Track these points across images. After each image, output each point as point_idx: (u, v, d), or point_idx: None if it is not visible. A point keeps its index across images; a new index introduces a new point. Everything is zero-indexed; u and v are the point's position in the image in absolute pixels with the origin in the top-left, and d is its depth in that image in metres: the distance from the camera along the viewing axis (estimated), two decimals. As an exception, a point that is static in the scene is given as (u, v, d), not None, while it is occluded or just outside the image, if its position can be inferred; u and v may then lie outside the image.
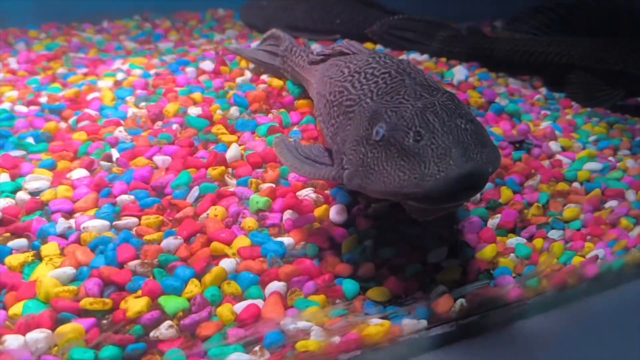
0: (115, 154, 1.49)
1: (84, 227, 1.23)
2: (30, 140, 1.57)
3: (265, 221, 1.27)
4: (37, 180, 1.38)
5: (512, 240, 1.26)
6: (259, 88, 1.78)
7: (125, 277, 1.10)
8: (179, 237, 1.21)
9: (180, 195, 1.34)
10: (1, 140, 1.56)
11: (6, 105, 1.77)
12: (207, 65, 1.93)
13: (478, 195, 1.37)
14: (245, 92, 1.73)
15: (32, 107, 1.78)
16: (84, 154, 1.51)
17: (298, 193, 1.34)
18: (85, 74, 2.02)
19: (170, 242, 1.19)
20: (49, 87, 1.93)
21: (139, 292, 1.07)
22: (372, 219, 1.21)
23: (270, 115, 1.65)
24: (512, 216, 1.34)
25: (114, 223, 1.26)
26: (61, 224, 1.25)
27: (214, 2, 3.02)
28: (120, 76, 1.94)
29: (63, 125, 1.67)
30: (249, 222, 1.25)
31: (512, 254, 1.22)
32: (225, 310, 1.05)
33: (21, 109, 1.76)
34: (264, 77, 1.88)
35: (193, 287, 1.09)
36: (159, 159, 1.45)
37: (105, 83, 1.90)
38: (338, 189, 1.35)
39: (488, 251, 1.22)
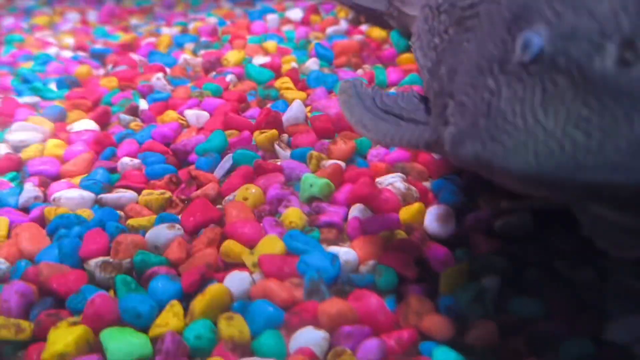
0: (143, 105, 1.09)
1: (54, 199, 0.83)
2: (52, 86, 1.22)
3: (319, 217, 0.78)
4: (25, 130, 1.01)
5: None
6: (353, 39, 1.29)
7: (74, 285, 0.67)
8: (178, 226, 0.76)
9: (205, 164, 0.90)
10: (24, 86, 1.22)
11: (52, 51, 1.47)
12: (295, 13, 1.50)
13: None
14: (333, 43, 1.25)
15: (79, 53, 1.45)
16: (107, 103, 1.12)
17: (378, 180, 0.84)
18: (159, 25, 1.66)
19: (160, 232, 0.75)
20: (110, 35, 1.59)
21: (79, 317, 0.64)
22: (502, 237, 0.74)
23: (359, 71, 1.17)
24: None
25: (99, 196, 0.83)
26: (27, 191, 0.85)
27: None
28: (191, 25, 1.56)
29: (100, 72, 1.30)
30: (293, 214, 0.77)
31: None
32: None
33: (66, 54, 1.45)
34: (363, 27, 1.39)
35: (170, 318, 0.63)
36: (191, 113, 1.02)
37: (170, 30, 1.53)
38: (445, 179, 0.83)
39: None
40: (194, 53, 1.34)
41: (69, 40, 1.58)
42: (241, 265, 0.71)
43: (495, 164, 0.47)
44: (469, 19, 0.63)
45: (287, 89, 1.08)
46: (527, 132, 0.45)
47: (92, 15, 2.00)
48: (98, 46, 1.49)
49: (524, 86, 0.48)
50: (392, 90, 1.09)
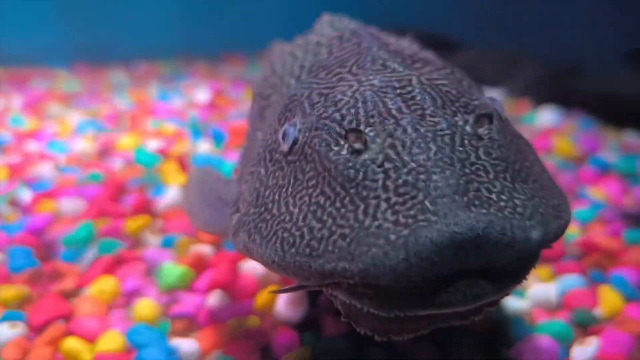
0: (28, 196, 1.07)
1: None
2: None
3: (172, 307, 0.76)
4: None
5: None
6: (250, 120, 1.32)
7: None
8: (22, 324, 0.73)
9: (70, 256, 0.88)
10: None
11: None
12: (201, 96, 1.51)
13: (554, 295, 0.78)
14: (229, 124, 1.27)
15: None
16: (-7, 194, 1.10)
17: (241, 264, 0.83)
18: (72, 110, 1.68)
19: (1, 331, 0.72)
20: (24, 123, 1.59)
21: None
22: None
23: (247, 152, 1.17)
24: (620, 344, 0.70)
25: (-49, 295, 0.80)
26: None
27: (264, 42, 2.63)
28: (103, 110, 1.57)
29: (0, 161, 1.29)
30: (144, 306, 0.75)
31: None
32: None
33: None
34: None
35: None
36: (69, 204, 1.00)
37: (77, 116, 1.53)
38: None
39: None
40: (95, 139, 1.34)
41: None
42: (79, 364, 0.69)
43: (255, 253, 0.47)
44: (266, 109, 0.64)
45: (171, 173, 1.08)
46: (279, 221, 0.46)
47: (17, 101, 2.00)
48: (7, 135, 1.49)
49: (283, 175, 0.49)
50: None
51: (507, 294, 0.46)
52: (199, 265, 0.83)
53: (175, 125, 1.33)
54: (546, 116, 1.55)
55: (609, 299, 0.78)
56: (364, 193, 0.42)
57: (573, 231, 0.94)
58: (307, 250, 0.43)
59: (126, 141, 1.24)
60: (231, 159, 1.14)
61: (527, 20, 2.00)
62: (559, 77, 1.72)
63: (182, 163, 1.12)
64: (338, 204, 0.43)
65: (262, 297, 0.76)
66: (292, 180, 0.47)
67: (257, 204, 0.49)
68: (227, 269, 0.81)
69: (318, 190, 0.45)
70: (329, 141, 0.46)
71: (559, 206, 0.47)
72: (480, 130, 0.46)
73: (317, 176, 0.46)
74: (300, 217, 0.44)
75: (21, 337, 0.72)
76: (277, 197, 0.47)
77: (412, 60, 0.54)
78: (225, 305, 0.76)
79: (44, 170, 1.17)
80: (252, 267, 0.82)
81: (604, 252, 0.88)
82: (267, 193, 0.49)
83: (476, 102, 0.48)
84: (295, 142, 0.49)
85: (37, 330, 0.75)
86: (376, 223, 0.40)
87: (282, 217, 0.46)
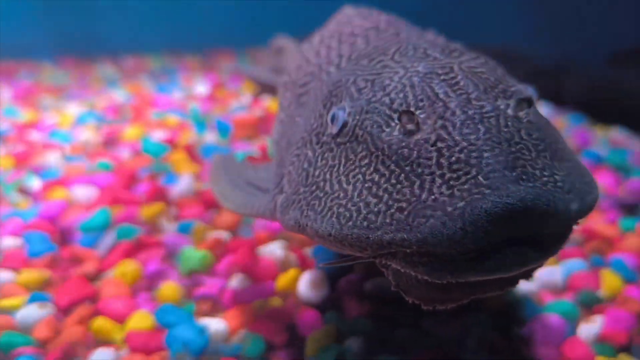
0: (37, 184, 1.07)
1: None
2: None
3: (196, 289, 0.78)
4: None
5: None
6: (252, 113, 1.34)
7: None
8: (50, 305, 0.75)
9: (88, 241, 0.89)
10: None
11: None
12: (201, 88, 1.53)
13: (560, 278, 0.82)
14: (233, 117, 1.29)
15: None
16: (1, 183, 1.10)
17: (259, 248, 0.85)
18: (69, 103, 1.67)
19: (30, 311, 0.74)
20: (18, 114, 1.58)
21: None
22: (372, 300, 0.75)
23: (255, 143, 1.20)
24: (622, 322, 0.76)
25: (-27, 278, 0.81)
26: None
27: (253, 39, 2.65)
28: (101, 102, 1.58)
29: (1, 151, 1.29)
30: (168, 288, 0.78)
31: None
32: None
33: (-33, 136, 1.42)
34: (264, 101, 1.44)
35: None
36: (81, 192, 1.01)
37: (75, 108, 1.54)
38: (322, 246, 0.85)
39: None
40: (97, 129, 1.35)
41: (-25, 120, 1.56)
42: (111, 343, 0.71)
43: (309, 228, 0.50)
44: (303, 96, 0.67)
45: (181, 162, 1.10)
46: (333, 197, 0.49)
47: (7, 93, 1.99)
48: (4, 125, 1.48)
49: (333, 156, 0.52)
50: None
51: (545, 261, 0.50)
52: (218, 249, 0.85)
53: (178, 116, 1.34)
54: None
55: (610, 281, 0.83)
56: (419, 170, 0.45)
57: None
58: (365, 223, 0.46)
59: (131, 132, 1.25)
60: (239, 149, 1.16)
61: (519, 18, 2.06)
62: (549, 74, 1.78)
63: (191, 153, 1.14)
64: (393, 181, 0.46)
65: (283, 279, 0.79)
66: (343, 160, 0.50)
67: (307, 183, 0.52)
68: (246, 253, 0.83)
69: (372, 169, 0.48)
70: (380, 123, 0.49)
71: (590, 183, 0.51)
72: (521, 114, 0.50)
73: (369, 155, 0.49)
74: (355, 194, 0.47)
75: (51, 317, 0.73)
76: (328, 176, 0.51)
77: (449, 49, 0.58)
78: (247, 287, 0.79)
79: (51, 159, 1.17)
80: (270, 251, 0.85)
81: (602, 239, 0.93)
82: (317, 173, 0.52)
83: (513, 89, 0.52)
84: (344, 124, 0.52)
85: (64, 311, 0.76)
86: (432, 197, 0.44)
87: (336, 194, 0.49)
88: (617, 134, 1.49)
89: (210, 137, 1.22)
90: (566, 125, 1.51)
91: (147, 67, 2.42)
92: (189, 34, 2.49)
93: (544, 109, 1.60)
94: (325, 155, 0.52)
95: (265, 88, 1.47)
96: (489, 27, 2.07)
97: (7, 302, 0.77)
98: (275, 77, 1.38)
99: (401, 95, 0.50)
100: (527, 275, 0.53)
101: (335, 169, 0.50)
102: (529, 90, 0.54)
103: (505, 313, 0.77)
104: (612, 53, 1.76)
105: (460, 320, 0.73)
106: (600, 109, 1.57)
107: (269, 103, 1.42)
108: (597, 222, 0.97)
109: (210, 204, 0.96)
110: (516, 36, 2.03)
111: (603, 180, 1.13)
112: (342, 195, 0.48)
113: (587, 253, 0.90)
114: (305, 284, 0.78)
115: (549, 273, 0.83)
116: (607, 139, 1.43)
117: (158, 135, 1.24)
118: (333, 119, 0.53)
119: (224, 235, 0.89)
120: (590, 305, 0.79)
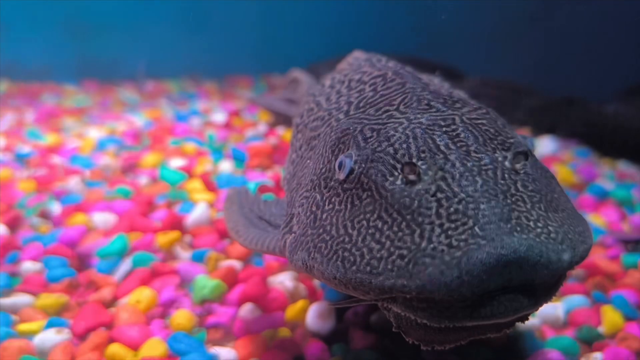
0: (57, 208, 1.12)
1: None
2: (-32, 191, 1.24)
3: (208, 318, 0.81)
4: None
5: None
6: (267, 141, 1.38)
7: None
8: (67, 331, 0.78)
9: (105, 268, 0.93)
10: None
11: (-22, 154, 1.49)
12: (218, 116, 1.57)
13: (562, 313, 0.84)
14: (248, 145, 1.33)
15: (6, 155, 1.48)
16: (22, 206, 1.14)
17: (270, 278, 0.88)
18: (89, 126, 1.73)
19: (47, 337, 0.77)
20: (41, 136, 1.64)
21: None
22: (377, 332, 0.77)
23: (269, 172, 1.23)
24: (622, 359, 0.78)
25: (-5, 301, 0.85)
26: None
27: (269, 66, 2.72)
28: (121, 126, 1.63)
29: (24, 174, 1.34)
30: (181, 316, 0.81)
31: None
32: None
33: (-9, 157, 1.47)
34: (279, 130, 1.48)
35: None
36: (100, 217, 1.05)
37: (97, 132, 1.58)
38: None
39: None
40: (116, 155, 1.39)
41: (1, 142, 1.62)
42: (124, 369, 0.73)
43: (316, 270, 0.53)
44: (314, 139, 0.71)
45: (197, 191, 1.14)
46: (339, 241, 0.52)
47: (30, 115, 2.05)
48: (26, 148, 1.53)
49: (339, 200, 0.55)
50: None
51: (539, 308, 0.52)
52: (230, 278, 0.88)
53: (195, 144, 1.38)
54: (546, 145, 1.62)
55: (610, 318, 0.84)
56: (419, 219, 0.48)
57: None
58: (368, 268, 0.49)
59: (149, 159, 1.29)
60: (253, 179, 1.19)
61: (528, 53, 2.10)
62: (558, 107, 1.80)
63: (206, 181, 1.17)
64: (395, 228, 0.49)
65: (292, 310, 0.82)
66: (349, 206, 0.53)
67: (315, 225, 0.55)
68: (257, 283, 0.86)
69: (375, 215, 0.51)
70: (384, 172, 0.52)
71: (583, 232, 0.53)
72: (517, 166, 0.52)
73: (374, 202, 0.52)
74: (360, 239, 0.50)
75: (67, 342, 0.77)
76: (334, 220, 0.54)
77: (452, 100, 0.61)
78: (257, 317, 0.81)
79: (71, 183, 1.21)
80: (280, 282, 0.88)
81: (605, 275, 0.94)
82: (324, 216, 0.55)
83: (512, 140, 0.55)
84: (351, 171, 0.55)
85: (79, 337, 0.79)
86: (432, 245, 0.47)
87: (342, 239, 0.52)
88: (624, 168, 1.51)
89: (226, 165, 1.26)
90: (572, 159, 1.53)
91: (166, 91, 2.48)
92: (207, 60, 2.56)
93: (550, 142, 1.63)
94: (333, 199, 0.55)
95: (280, 118, 1.51)
96: (498, 61, 2.11)
97: (26, 327, 0.80)
98: (289, 107, 1.42)
99: (404, 146, 0.53)
100: (523, 319, 0.56)
101: (342, 214, 0.53)
102: (527, 142, 0.57)
103: (508, 348, 0.79)
104: (622, 88, 1.78)
105: (463, 354, 0.75)
106: (607, 143, 1.59)
107: (284, 132, 1.45)
108: (600, 257, 0.98)
109: (223, 234, 1.00)
110: (526, 71, 2.06)
111: (607, 216, 1.15)
112: (347, 239, 0.51)
113: (589, 289, 0.92)
114: (313, 316, 0.80)
115: (551, 308, 0.85)
116: (613, 173, 1.45)
117: (176, 164, 1.27)
118: (341, 166, 0.56)
119: (236, 264, 0.92)
120: (590, 341, 0.81)
